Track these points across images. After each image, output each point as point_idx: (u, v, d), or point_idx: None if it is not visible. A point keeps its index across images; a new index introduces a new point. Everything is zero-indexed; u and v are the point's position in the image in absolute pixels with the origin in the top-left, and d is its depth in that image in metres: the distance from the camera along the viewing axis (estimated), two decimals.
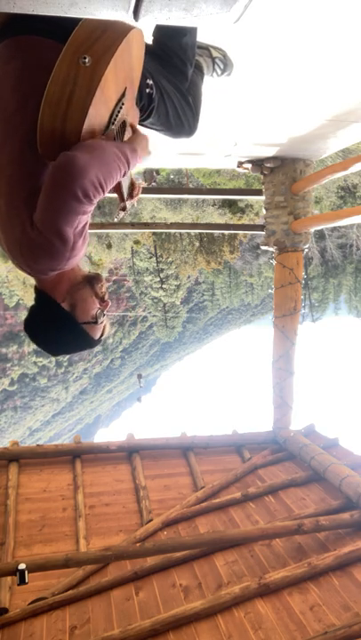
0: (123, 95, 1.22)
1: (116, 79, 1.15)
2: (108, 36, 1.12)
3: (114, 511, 3.75)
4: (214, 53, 2.00)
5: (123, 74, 1.19)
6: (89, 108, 1.08)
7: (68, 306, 1.33)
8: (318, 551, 3.04)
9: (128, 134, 1.34)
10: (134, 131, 1.37)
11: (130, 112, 1.32)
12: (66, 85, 1.07)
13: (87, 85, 1.07)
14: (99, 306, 1.38)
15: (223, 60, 2.03)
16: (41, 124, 1.09)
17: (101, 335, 1.43)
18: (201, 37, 1.80)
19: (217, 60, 2.01)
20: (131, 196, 1.39)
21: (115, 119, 1.21)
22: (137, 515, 3.73)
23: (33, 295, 1.36)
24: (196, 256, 27.89)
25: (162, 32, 1.58)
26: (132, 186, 1.40)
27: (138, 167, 1.33)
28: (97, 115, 1.12)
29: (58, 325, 1.34)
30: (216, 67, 2.01)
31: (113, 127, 1.21)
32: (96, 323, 1.38)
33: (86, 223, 1.19)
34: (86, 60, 1.08)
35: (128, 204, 1.37)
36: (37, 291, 1.33)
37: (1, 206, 1.18)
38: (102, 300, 1.39)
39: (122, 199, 1.33)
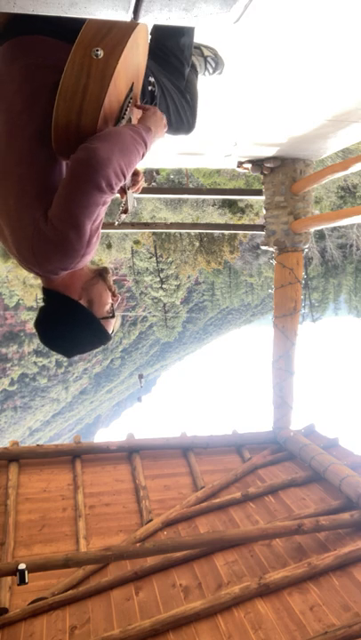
0: (131, 90, 1.22)
1: (126, 73, 1.15)
2: (119, 29, 1.11)
3: (114, 511, 3.75)
4: (206, 52, 2.01)
5: (131, 68, 1.19)
6: (104, 100, 1.07)
7: (86, 302, 1.31)
8: (318, 551, 3.04)
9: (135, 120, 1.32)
10: (144, 109, 1.32)
11: (134, 110, 1.32)
12: (80, 79, 1.06)
13: (101, 77, 1.07)
14: (111, 300, 1.38)
15: (215, 58, 2.04)
16: (56, 118, 1.08)
17: (112, 331, 1.41)
18: (197, 36, 1.81)
19: (208, 59, 2.01)
20: (133, 184, 1.37)
21: (125, 113, 1.20)
22: (137, 515, 3.73)
23: (41, 296, 1.32)
24: (196, 256, 27.87)
25: (160, 32, 1.59)
26: (133, 175, 1.37)
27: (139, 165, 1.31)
28: (110, 108, 1.12)
29: (78, 323, 1.31)
30: (208, 65, 2.02)
31: (123, 122, 1.20)
32: (113, 317, 1.37)
33: (101, 219, 1.17)
34: (99, 53, 1.07)
35: (129, 198, 1.35)
36: (48, 291, 1.29)
37: (10, 206, 1.17)
38: (113, 294, 1.38)
39: (123, 191, 1.30)
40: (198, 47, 1.99)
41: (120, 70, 1.10)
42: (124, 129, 1.14)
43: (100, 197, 1.06)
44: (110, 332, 1.39)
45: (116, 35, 1.10)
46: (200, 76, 2.02)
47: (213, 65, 2.04)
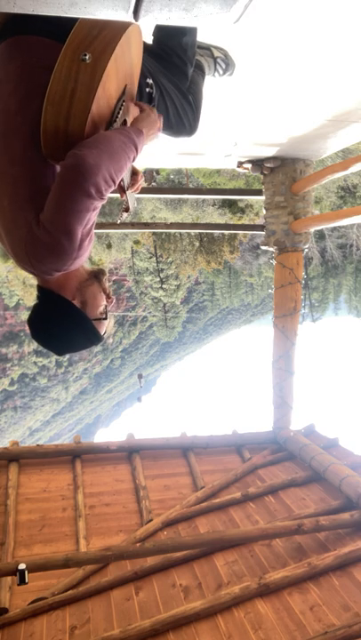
0: (123, 92, 1.22)
1: (116, 76, 1.15)
2: (108, 32, 1.11)
3: (114, 511, 3.75)
4: (216, 53, 2.00)
5: (123, 71, 1.19)
6: (91, 105, 1.07)
7: (79, 303, 1.32)
8: (318, 551, 3.04)
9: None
10: (141, 108, 1.31)
11: (130, 110, 1.32)
12: (68, 83, 1.07)
13: (89, 82, 1.07)
14: (105, 302, 1.39)
15: (225, 59, 2.03)
16: (44, 123, 1.08)
17: (104, 332, 1.43)
18: (202, 37, 1.80)
19: (218, 60, 2.01)
20: (132, 184, 1.37)
21: (117, 117, 1.20)
22: (137, 515, 3.73)
23: (36, 294, 1.33)
24: (196, 256, 27.85)
25: (162, 32, 1.59)
26: (133, 175, 1.37)
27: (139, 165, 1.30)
28: (99, 112, 1.12)
29: (70, 323, 1.32)
30: (218, 67, 2.02)
31: (115, 125, 1.20)
32: (105, 318, 1.38)
33: (93, 223, 1.18)
34: (87, 57, 1.07)
35: (130, 198, 1.35)
36: (43, 289, 1.31)
37: (5, 207, 1.17)
38: (108, 297, 1.40)
39: (123, 191, 1.30)
40: (208, 48, 1.98)
41: (110, 74, 1.10)
42: (113, 133, 1.14)
43: (89, 204, 1.07)
44: (102, 333, 1.40)
45: (105, 37, 1.10)
46: (210, 77, 2.02)
47: (224, 66, 2.03)
